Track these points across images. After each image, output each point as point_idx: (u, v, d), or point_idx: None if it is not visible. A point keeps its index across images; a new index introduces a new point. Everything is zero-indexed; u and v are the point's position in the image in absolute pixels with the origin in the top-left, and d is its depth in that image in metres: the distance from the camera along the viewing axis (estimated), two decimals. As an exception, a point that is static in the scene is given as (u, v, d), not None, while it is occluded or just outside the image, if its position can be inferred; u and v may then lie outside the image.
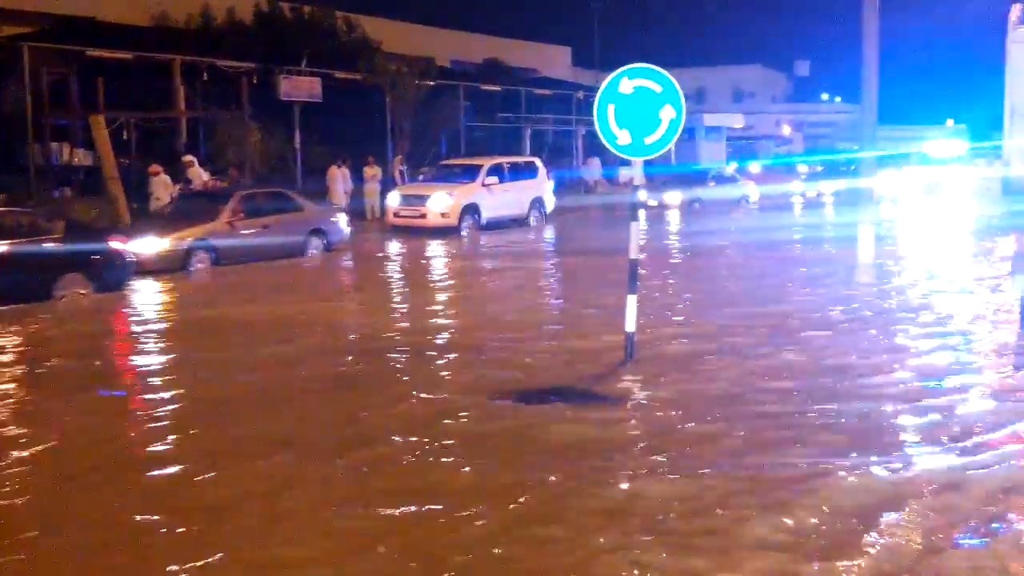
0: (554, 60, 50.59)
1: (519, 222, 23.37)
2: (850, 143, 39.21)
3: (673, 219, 26.95)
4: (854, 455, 5.98)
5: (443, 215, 21.67)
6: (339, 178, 24.65)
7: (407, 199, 22.34)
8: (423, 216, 21.74)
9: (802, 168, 41.15)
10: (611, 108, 8.56)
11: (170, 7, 33.30)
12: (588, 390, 7.78)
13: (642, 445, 6.36)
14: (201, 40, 30.20)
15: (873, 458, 5.93)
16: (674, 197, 29.69)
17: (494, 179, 22.65)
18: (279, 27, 34.69)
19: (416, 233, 21.47)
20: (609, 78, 8.55)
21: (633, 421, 6.94)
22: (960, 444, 6.24)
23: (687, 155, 45.28)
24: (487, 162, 23.49)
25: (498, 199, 22.69)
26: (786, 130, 57.80)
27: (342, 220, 19.02)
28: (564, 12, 58.06)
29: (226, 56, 27.35)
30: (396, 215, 22.24)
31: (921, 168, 34.63)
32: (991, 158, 44.48)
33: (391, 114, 30.03)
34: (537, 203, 24.15)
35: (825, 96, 67.65)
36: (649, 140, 8.51)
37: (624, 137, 8.58)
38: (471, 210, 22.07)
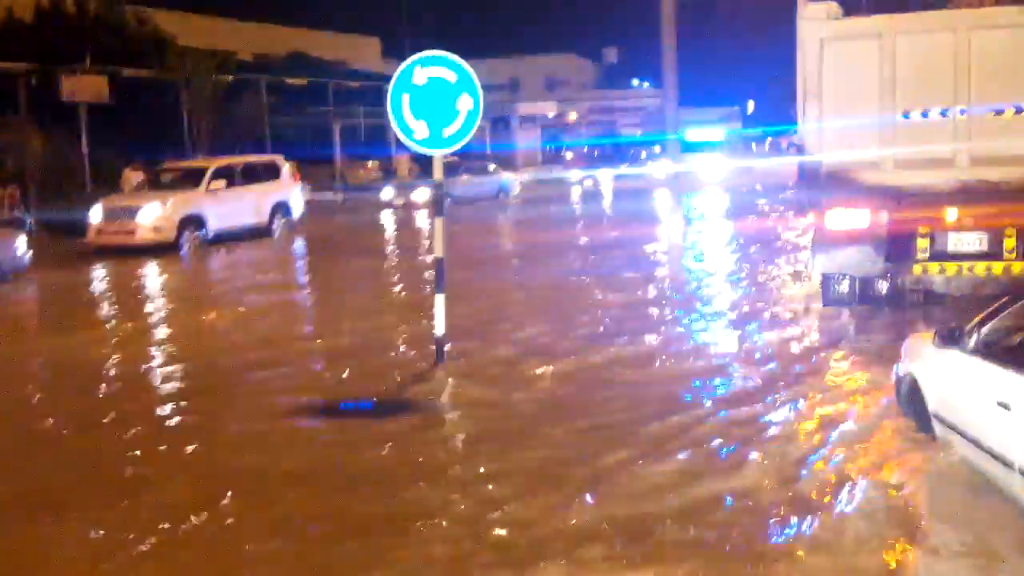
0: (364, 52, 49.53)
1: (260, 232, 19.84)
2: (656, 128, 40.43)
3: (417, 220, 24.38)
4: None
5: (155, 229, 17.81)
6: (134, 182, 22.97)
7: (112, 212, 18.20)
8: (131, 232, 17.72)
9: (568, 155, 43.40)
10: (405, 98, 8.01)
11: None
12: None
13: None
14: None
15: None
16: (421, 194, 27.11)
17: (221, 183, 18.99)
18: (62, 24, 32.21)
19: (125, 253, 17.24)
20: (402, 67, 8.01)
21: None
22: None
23: (505, 144, 45.47)
24: (213, 164, 19.83)
25: (229, 207, 19.01)
26: (572, 116, 58.29)
27: (19, 243, 14.71)
28: (372, 2, 56.83)
29: (6, 58, 25.06)
30: (100, 232, 18.02)
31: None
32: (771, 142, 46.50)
33: (188, 112, 28.42)
34: (281, 209, 20.63)
35: (636, 82, 69.44)
36: (447, 132, 8.02)
37: (421, 130, 8.05)
38: (193, 222, 18.27)
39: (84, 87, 25.88)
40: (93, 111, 26.22)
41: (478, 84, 7.98)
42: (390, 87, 7.97)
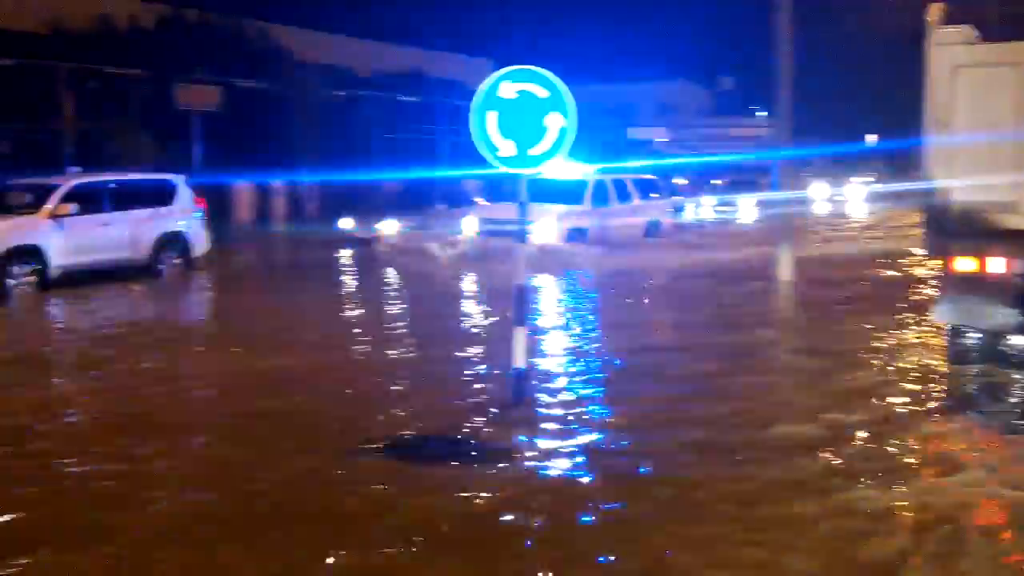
0: (476, 72, 49.65)
1: (135, 269, 15.51)
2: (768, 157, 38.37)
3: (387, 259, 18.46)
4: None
5: None
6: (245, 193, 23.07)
7: None
8: None
9: (681, 180, 35.36)
10: (492, 116, 7.47)
11: (67, 13, 31.47)
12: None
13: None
14: (97, 47, 28.45)
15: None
16: (390, 227, 20.46)
17: (70, 206, 14.47)
18: (182, 34, 33.09)
19: None
20: (488, 82, 7.48)
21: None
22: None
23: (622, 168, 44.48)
24: (68, 180, 15.39)
25: (86, 236, 14.68)
26: (659, 138, 56.59)
27: None
28: (487, 26, 57.16)
29: (124, 64, 25.76)
30: None
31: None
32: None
33: (298, 125, 28.71)
34: (171, 242, 16.15)
35: (760, 112, 67.85)
36: (535, 151, 7.44)
37: (508, 148, 7.50)
38: (25, 255, 13.94)
39: (197, 96, 26.35)
40: (206, 119, 26.69)
41: (570, 101, 7.38)
42: (474, 102, 7.43)
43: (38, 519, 5.34)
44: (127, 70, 25.75)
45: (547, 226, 18.20)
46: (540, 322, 11.40)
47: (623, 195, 21.03)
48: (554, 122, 7.39)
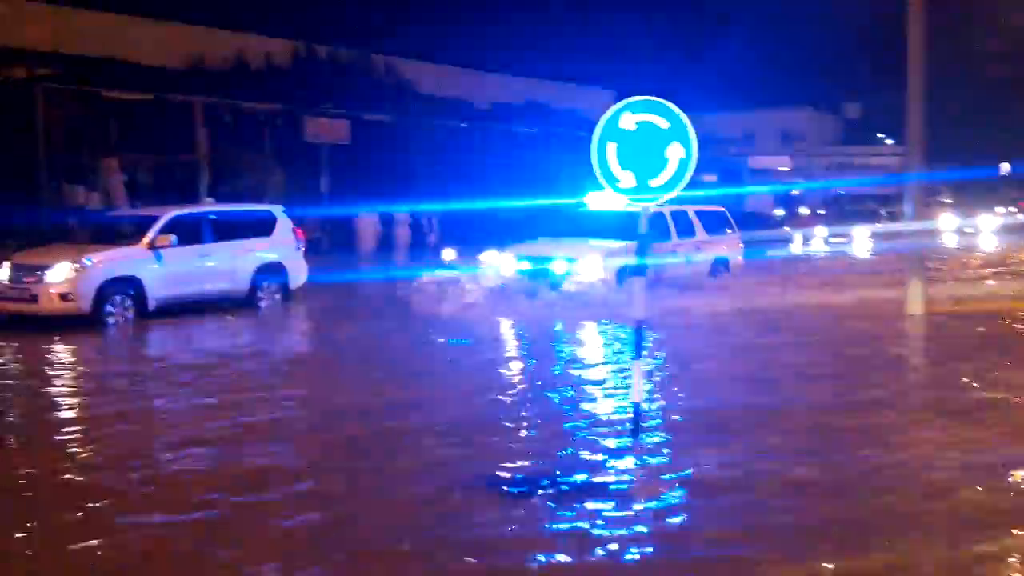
0: (597, 103, 49.80)
1: (234, 301, 15.45)
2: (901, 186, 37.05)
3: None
4: None
5: (63, 296, 13.59)
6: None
7: (19, 270, 14.05)
8: (33, 298, 13.66)
9: (804, 211, 34.72)
10: (611, 147, 7.45)
11: (207, 51, 33.16)
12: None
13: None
14: (231, 82, 29.85)
15: None
16: (491, 257, 17.12)
17: (169, 238, 14.49)
18: (313, 70, 34.42)
19: (32, 327, 13.42)
20: (608, 113, 7.45)
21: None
22: None
23: (735, 198, 43.84)
24: (167, 212, 15.23)
25: (184, 267, 14.69)
26: (781, 167, 55.15)
27: None
28: (606, 56, 57.28)
29: (257, 99, 26.95)
30: (3, 297, 14.04)
31: None
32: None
33: (420, 155, 29.40)
34: (270, 273, 15.95)
35: (890, 141, 65.86)
36: (655, 183, 7.38)
37: (627, 179, 7.45)
38: (124, 286, 14.02)
39: (326, 129, 27.29)
40: (334, 151, 27.59)
41: (691, 132, 7.30)
42: (595, 134, 7.42)
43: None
44: (260, 104, 26.84)
45: (592, 264, 15.80)
46: (654, 358, 11.24)
47: (685, 229, 18.25)
48: (675, 153, 7.32)
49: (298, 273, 16.55)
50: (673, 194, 7.48)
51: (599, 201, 16.02)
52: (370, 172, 27.73)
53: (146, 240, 14.50)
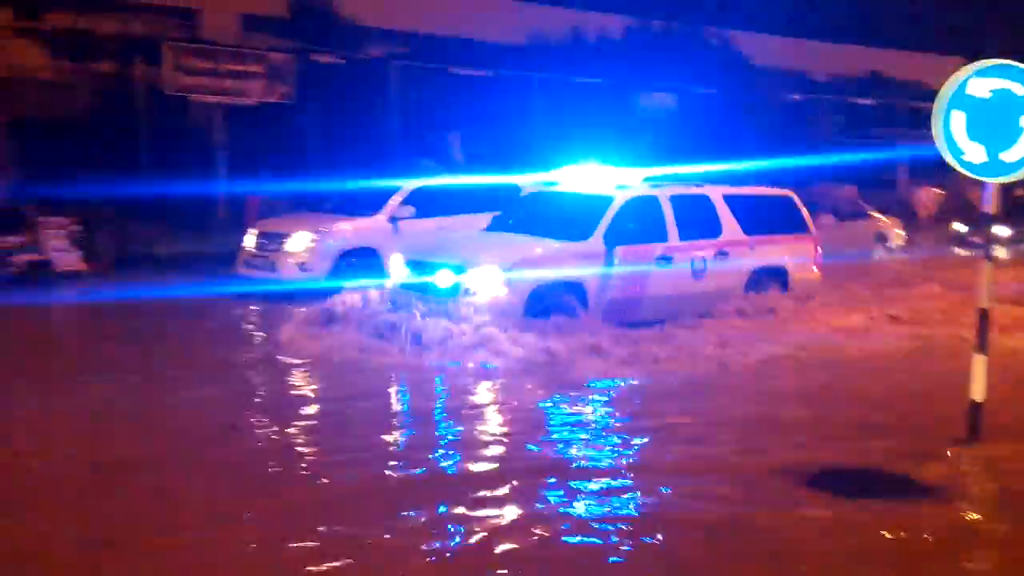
0: (945, 72, 45.76)
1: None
2: None
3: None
4: None
5: (301, 265, 13.74)
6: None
7: (264, 238, 14.38)
8: (273, 266, 14.00)
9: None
10: (958, 116, 6.94)
11: (545, 26, 34.43)
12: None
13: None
14: (565, 57, 30.80)
15: None
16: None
17: (408, 209, 14.27)
18: (646, 43, 34.60)
19: (273, 295, 13.42)
20: (955, 78, 6.95)
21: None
22: None
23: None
24: (409, 184, 14.77)
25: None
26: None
27: None
28: (960, 21, 52.50)
29: (591, 74, 27.70)
30: (247, 263, 14.46)
31: None
32: None
33: (751, 129, 28.79)
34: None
35: None
36: (1006, 156, 6.78)
37: (975, 153, 6.91)
38: (361, 256, 13.79)
39: (652, 104, 27.49)
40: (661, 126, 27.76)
41: (1057, 100, 6.62)
42: (938, 102, 6.95)
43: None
44: (593, 79, 27.59)
45: (484, 278, 10.45)
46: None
47: (698, 224, 12.03)
48: (1034, 124, 6.68)
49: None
50: (1027, 174, 6.80)
51: (574, 179, 12.12)
52: (697, 145, 27.64)
53: (385, 211, 14.37)
